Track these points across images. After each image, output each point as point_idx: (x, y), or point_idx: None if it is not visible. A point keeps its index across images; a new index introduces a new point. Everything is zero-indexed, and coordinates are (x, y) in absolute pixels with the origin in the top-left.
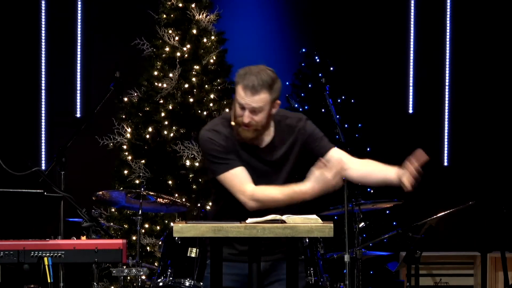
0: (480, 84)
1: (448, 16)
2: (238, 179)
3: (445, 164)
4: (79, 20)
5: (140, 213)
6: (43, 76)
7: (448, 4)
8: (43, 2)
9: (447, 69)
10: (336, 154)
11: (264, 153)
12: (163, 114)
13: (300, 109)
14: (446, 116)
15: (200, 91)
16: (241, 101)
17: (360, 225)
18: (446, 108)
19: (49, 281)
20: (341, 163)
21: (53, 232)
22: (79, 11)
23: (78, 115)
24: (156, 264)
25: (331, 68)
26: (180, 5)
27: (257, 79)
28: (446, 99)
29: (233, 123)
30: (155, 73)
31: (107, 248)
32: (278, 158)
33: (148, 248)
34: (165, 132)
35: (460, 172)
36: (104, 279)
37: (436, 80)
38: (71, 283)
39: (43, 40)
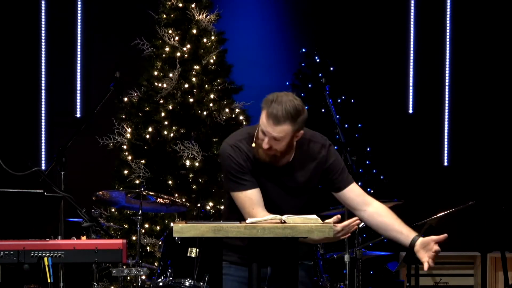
0: (480, 84)
1: (448, 16)
2: (250, 201)
3: (445, 164)
4: (79, 20)
5: (140, 213)
6: (43, 76)
7: (448, 4)
8: (43, 2)
9: (447, 69)
10: (353, 192)
11: (281, 175)
12: (163, 114)
13: None
14: (446, 116)
15: (200, 91)
16: (264, 128)
17: (360, 225)
18: (446, 108)
19: (49, 281)
20: (354, 226)
21: (53, 232)
22: (79, 11)
23: (78, 115)
24: (156, 264)
25: (331, 68)
26: (180, 5)
27: (282, 109)
28: (446, 99)
29: (253, 144)
30: (155, 73)
31: (107, 248)
32: (295, 182)
33: (148, 248)
34: (165, 132)
35: (460, 172)
36: (104, 279)
37: (436, 80)
38: (71, 283)
39: (43, 40)
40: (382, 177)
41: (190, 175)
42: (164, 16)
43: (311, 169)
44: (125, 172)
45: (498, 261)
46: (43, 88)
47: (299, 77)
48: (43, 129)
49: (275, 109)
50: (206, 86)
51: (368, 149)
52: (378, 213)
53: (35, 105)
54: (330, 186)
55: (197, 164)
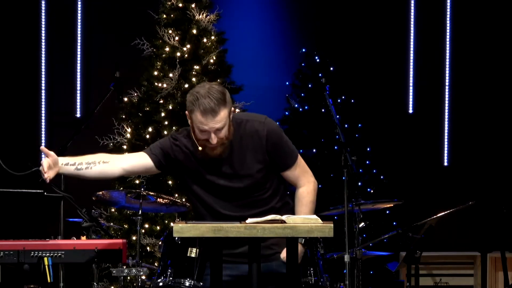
0: (480, 84)
1: (448, 16)
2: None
3: (445, 164)
4: (79, 20)
5: (140, 213)
6: (43, 76)
7: (448, 4)
8: (43, 2)
9: (447, 69)
10: (291, 175)
11: (225, 164)
12: (163, 114)
13: (300, 109)
14: (446, 116)
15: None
16: (204, 127)
17: (360, 225)
18: (446, 108)
19: (49, 281)
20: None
21: (53, 232)
22: (79, 11)
23: (78, 115)
24: (156, 264)
25: (331, 68)
26: (180, 5)
27: (211, 100)
28: (446, 99)
29: (200, 148)
30: (155, 73)
31: (107, 248)
32: (239, 166)
33: (148, 248)
34: (165, 132)
35: (460, 172)
36: (104, 279)
37: (436, 80)
38: (71, 283)
39: (43, 40)
40: (382, 177)
41: None
42: (164, 16)
43: (254, 146)
44: None
45: (498, 261)
46: (43, 88)
47: (299, 77)
48: (43, 129)
49: (206, 103)
50: None
51: (368, 149)
52: (295, 198)
53: (35, 105)
54: (274, 165)
55: None
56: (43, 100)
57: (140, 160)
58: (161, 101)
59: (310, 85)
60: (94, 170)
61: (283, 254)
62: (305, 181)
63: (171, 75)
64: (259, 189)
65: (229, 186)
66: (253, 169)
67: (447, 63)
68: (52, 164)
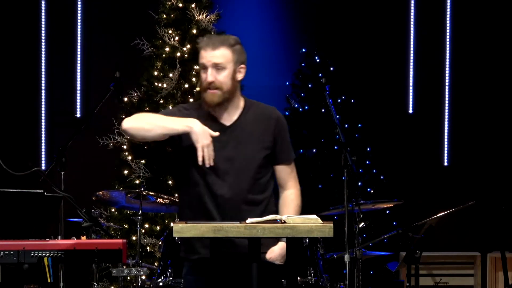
0: (480, 84)
1: (448, 16)
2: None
3: (445, 164)
4: (79, 20)
5: (140, 213)
6: (43, 76)
7: (448, 4)
8: (43, 2)
9: (447, 69)
10: (282, 172)
11: (231, 141)
12: None
13: (300, 109)
14: (446, 116)
15: (200, 91)
16: (203, 61)
17: (360, 225)
18: (446, 108)
19: (49, 281)
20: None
21: (53, 232)
22: (79, 11)
23: (78, 115)
24: (156, 264)
25: (331, 68)
26: (180, 5)
27: (216, 37)
28: (446, 99)
29: (198, 88)
30: (155, 73)
31: (107, 248)
32: (245, 145)
33: (148, 248)
34: None
35: (460, 172)
36: (104, 279)
37: (436, 80)
38: (71, 283)
39: (43, 40)
40: (382, 177)
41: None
42: (164, 16)
43: (263, 127)
44: (125, 172)
45: (498, 261)
46: (43, 88)
47: (299, 77)
48: (43, 129)
49: (210, 38)
50: None
51: (368, 149)
52: (282, 199)
53: (35, 105)
54: (273, 155)
55: None
56: (43, 100)
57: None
58: (161, 101)
59: (310, 85)
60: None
61: (269, 255)
62: (294, 185)
63: (171, 75)
64: (259, 172)
65: (231, 164)
66: (258, 151)
67: (447, 63)
68: None
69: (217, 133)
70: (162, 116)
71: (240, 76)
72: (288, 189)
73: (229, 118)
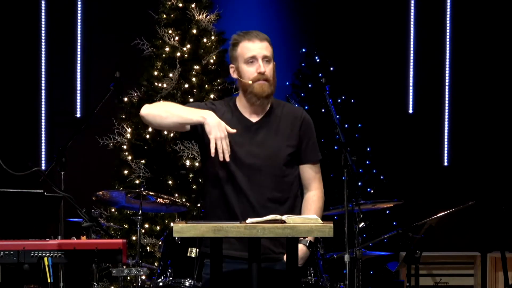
0: (480, 84)
1: (448, 16)
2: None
3: (445, 164)
4: (79, 20)
5: (140, 213)
6: (43, 76)
7: (448, 4)
8: (43, 2)
9: (447, 69)
10: (307, 173)
11: (257, 139)
12: None
13: None
14: (446, 116)
15: (200, 91)
16: (252, 53)
17: (360, 225)
18: (446, 108)
19: (49, 281)
20: None
21: (53, 232)
22: (79, 11)
23: (78, 115)
24: (156, 264)
25: (331, 68)
26: (180, 5)
27: (258, 33)
28: (446, 99)
29: (250, 82)
30: (155, 73)
31: (107, 248)
32: (270, 143)
33: (148, 248)
34: (165, 132)
35: (460, 172)
36: (104, 279)
37: (436, 80)
38: (71, 283)
39: (43, 40)
40: (382, 177)
41: (190, 175)
42: (164, 16)
43: (290, 125)
44: (125, 172)
45: (498, 261)
46: (43, 88)
47: (299, 77)
48: (43, 129)
49: (251, 33)
50: (206, 86)
51: (368, 149)
52: (305, 200)
53: (35, 105)
54: (299, 154)
55: (197, 164)
56: (43, 100)
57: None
58: (161, 101)
59: (310, 85)
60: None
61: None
62: (317, 186)
63: (171, 75)
64: (284, 170)
65: (255, 160)
66: (284, 149)
67: (447, 63)
68: None
69: (234, 130)
70: (181, 106)
71: (274, 68)
72: (312, 190)
73: (256, 115)
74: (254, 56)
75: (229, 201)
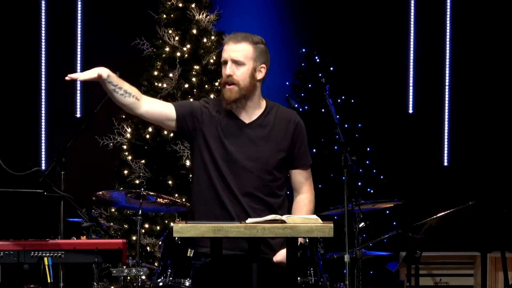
0: (480, 84)
1: (448, 16)
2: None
3: (445, 164)
4: (79, 20)
5: (140, 213)
6: (43, 76)
7: (448, 4)
8: (43, 2)
9: (447, 69)
10: (298, 177)
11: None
12: None
13: (300, 109)
14: (446, 116)
15: (200, 91)
16: (223, 56)
17: (360, 225)
18: (446, 108)
19: (49, 281)
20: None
21: (53, 232)
22: (79, 11)
23: (78, 115)
24: (156, 264)
25: (331, 68)
26: (180, 5)
27: (240, 34)
28: (446, 99)
29: (217, 83)
30: (155, 73)
31: (107, 248)
32: (262, 145)
33: (148, 248)
34: (165, 132)
35: (460, 172)
36: (104, 279)
37: (436, 80)
38: (71, 283)
39: (43, 40)
40: (382, 177)
41: (190, 175)
42: (164, 16)
43: (284, 128)
44: (125, 172)
45: (498, 261)
46: (43, 88)
47: (299, 77)
48: (43, 129)
49: (233, 35)
50: (206, 86)
51: (368, 149)
52: (295, 203)
53: (35, 105)
54: (290, 159)
55: None
56: (43, 100)
57: (165, 109)
58: None
59: (310, 85)
60: (125, 100)
61: (276, 258)
62: (308, 190)
63: (171, 75)
64: (273, 174)
65: (247, 162)
66: (275, 153)
67: (447, 63)
68: (101, 72)
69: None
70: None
71: (259, 75)
72: (303, 193)
73: (249, 116)
74: (225, 58)
75: (221, 200)
